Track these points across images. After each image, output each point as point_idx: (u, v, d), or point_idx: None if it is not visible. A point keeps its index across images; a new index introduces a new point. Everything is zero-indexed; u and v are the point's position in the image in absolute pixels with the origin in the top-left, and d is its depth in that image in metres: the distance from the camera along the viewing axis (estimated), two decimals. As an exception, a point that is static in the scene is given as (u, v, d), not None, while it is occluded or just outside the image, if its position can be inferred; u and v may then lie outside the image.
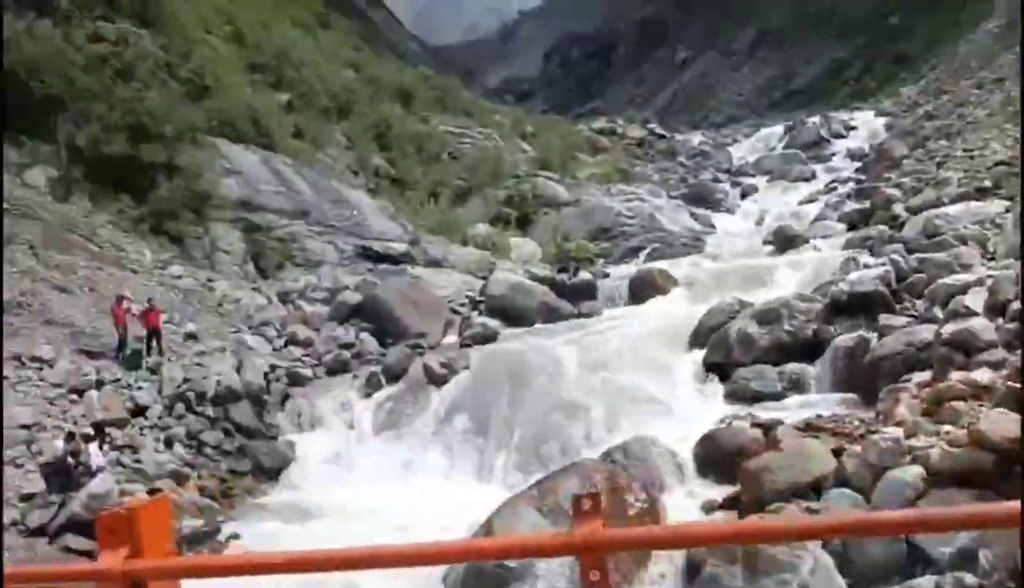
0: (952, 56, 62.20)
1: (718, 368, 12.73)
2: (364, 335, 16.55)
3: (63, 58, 21.51)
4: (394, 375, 14.65)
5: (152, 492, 11.01)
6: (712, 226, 35.18)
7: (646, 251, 29.03)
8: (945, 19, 73.33)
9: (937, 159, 26.57)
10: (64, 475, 10.51)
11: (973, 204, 16.64)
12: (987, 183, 19.03)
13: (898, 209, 20.28)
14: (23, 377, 12.98)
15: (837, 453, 8.08)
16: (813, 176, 43.11)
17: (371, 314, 17.19)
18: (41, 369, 13.30)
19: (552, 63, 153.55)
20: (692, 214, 34.83)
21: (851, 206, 25.68)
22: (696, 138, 68.38)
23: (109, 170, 21.04)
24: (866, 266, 13.93)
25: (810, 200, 34.51)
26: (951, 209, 16.76)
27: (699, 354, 13.35)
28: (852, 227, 22.68)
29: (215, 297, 18.13)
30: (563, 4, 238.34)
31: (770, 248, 22.43)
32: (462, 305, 19.70)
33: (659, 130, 70.13)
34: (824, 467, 8.08)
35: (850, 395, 10.74)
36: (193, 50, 27.93)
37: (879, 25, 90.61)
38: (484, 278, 21.76)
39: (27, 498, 10.66)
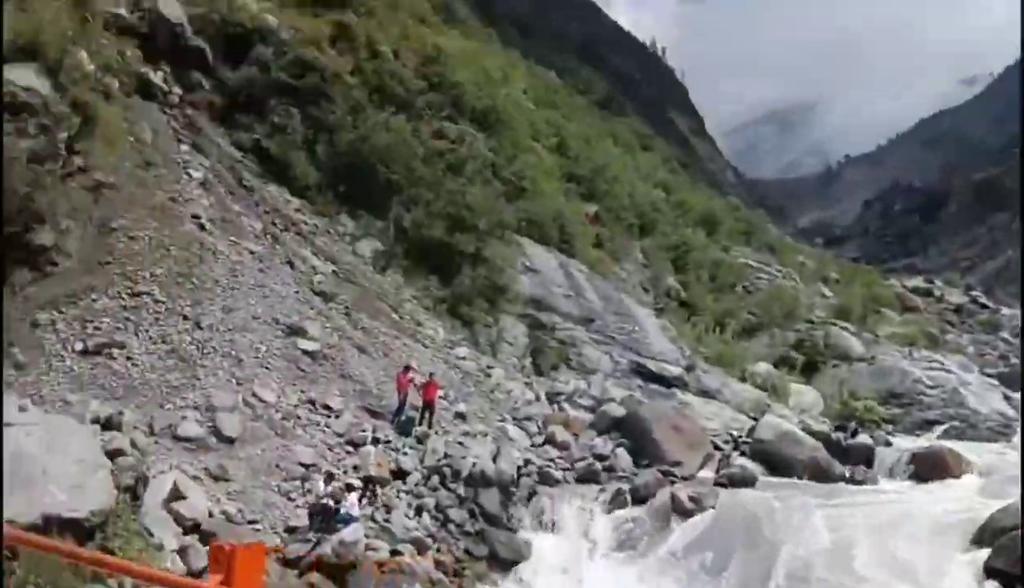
0: None
1: (1002, 576, 11.10)
2: (620, 450, 16.53)
3: (408, 150, 24.35)
4: (641, 497, 14.44)
5: (394, 553, 11.70)
6: (1029, 414, 31.22)
7: (943, 427, 26.39)
8: None
9: None
10: (324, 516, 11.53)
11: None
12: None
13: None
14: (312, 421, 14.54)
15: None
16: None
17: (631, 431, 17.18)
18: (328, 417, 14.83)
19: (871, 211, 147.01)
20: (1006, 397, 31.19)
21: None
22: (1026, 315, 61.53)
23: (425, 252, 23.29)
24: None
25: None
26: None
27: (981, 555, 11.75)
28: None
29: (490, 384, 19.15)
30: (895, 155, 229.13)
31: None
32: (726, 442, 19.06)
33: (983, 299, 64.09)
34: None
35: None
36: (519, 155, 30.33)
37: None
38: (755, 419, 20.95)
39: (291, 530, 11.80)
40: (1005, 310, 63.29)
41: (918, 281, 68.50)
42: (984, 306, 62.17)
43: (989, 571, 11.51)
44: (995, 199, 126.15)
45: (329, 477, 12.39)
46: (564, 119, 41.02)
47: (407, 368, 15.98)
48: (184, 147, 21.08)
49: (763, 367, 29.01)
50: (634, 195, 39.66)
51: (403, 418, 15.52)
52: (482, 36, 61.26)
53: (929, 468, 17.24)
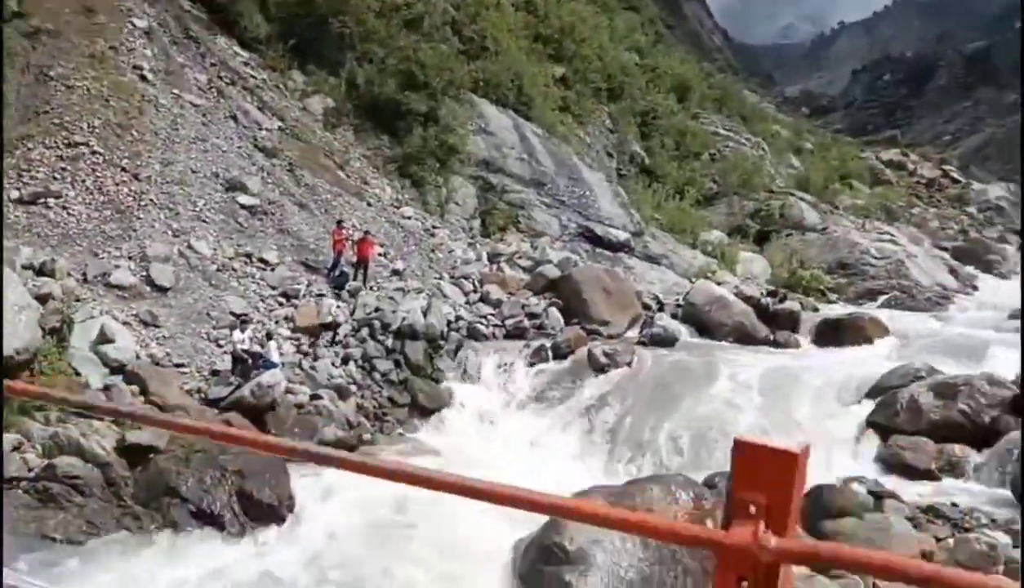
0: None
1: (880, 429, 11.98)
2: (552, 310, 17.16)
3: (363, 3, 23.82)
4: (562, 353, 15.17)
5: (314, 398, 12.39)
6: (974, 287, 32.16)
7: (885, 297, 27.26)
8: None
9: None
10: (246, 361, 12.17)
11: None
12: None
13: None
14: (247, 273, 15.02)
15: (926, 555, 7.51)
16: (1118, 257, 37.89)
17: (564, 292, 17.77)
18: (264, 270, 15.30)
19: (860, 81, 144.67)
20: (952, 270, 32.02)
21: None
22: (997, 190, 62.02)
23: (377, 110, 23.17)
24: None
25: (1103, 283, 30.46)
26: None
27: (866, 409, 12.62)
28: None
29: (432, 243, 19.57)
30: (890, 22, 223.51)
31: (1015, 322, 20.25)
32: (664, 305, 19.73)
33: (955, 174, 64.33)
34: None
35: (1005, 493, 9.76)
36: (481, 12, 29.66)
37: None
38: (699, 284, 21.61)
39: (214, 373, 12.47)
40: (976, 185, 63.77)
41: (893, 153, 68.29)
42: (956, 181, 62.40)
43: (870, 423, 12.42)
44: (984, 72, 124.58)
45: (245, 325, 12.95)
46: (535, -24, 39.78)
47: (339, 224, 16.35)
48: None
49: (716, 235, 29.54)
50: (604, 58, 39.00)
51: (337, 273, 16.02)
52: None
53: (849, 333, 18.02)
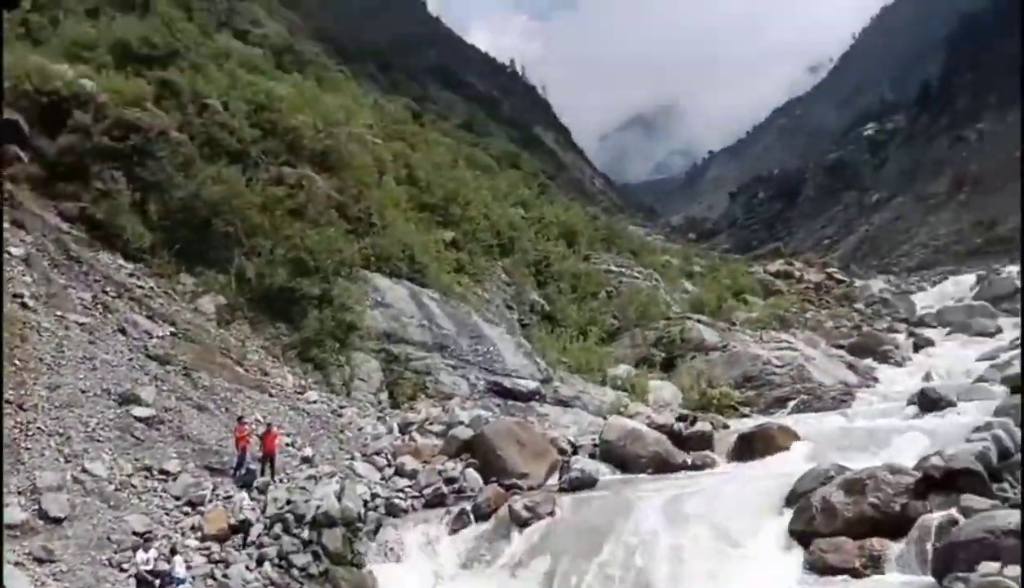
0: None
1: (801, 535, 12.09)
2: (469, 471, 16.99)
3: (245, 200, 24.32)
4: (483, 514, 14.92)
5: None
6: (874, 379, 33.42)
7: (793, 403, 28.02)
8: None
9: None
10: (149, 584, 11.54)
11: None
12: None
13: (1056, 376, 18.63)
14: (148, 488, 14.45)
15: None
16: (998, 331, 40.20)
17: (478, 450, 17.67)
18: (165, 481, 14.76)
19: (737, 202, 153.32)
20: (850, 366, 33.31)
21: (1017, 368, 23.72)
22: (878, 285, 65.70)
23: (271, 300, 23.28)
24: (968, 441, 12.91)
25: (990, 358, 32.12)
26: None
27: (789, 517, 12.76)
28: (1017, 390, 20.98)
29: (341, 423, 19.34)
30: (755, 145, 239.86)
31: (914, 409, 21.08)
32: (578, 448, 19.76)
33: (838, 275, 67.94)
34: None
35: (927, 579, 9.91)
36: (364, 192, 30.61)
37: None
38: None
39: (119, 602, 11.76)
40: (859, 282, 67.45)
41: (779, 265, 71.69)
42: (840, 281, 65.72)
43: (792, 532, 12.53)
44: (845, 178, 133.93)
45: (148, 543, 12.37)
46: (413, 150, 41.55)
47: (241, 420, 16.06)
48: (4, 225, 20.50)
49: (623, 369, 30.10)
50: (491, 216, 40.43)
51: (243, 471, 15.58)
52: (331, 75, 61.45)
53: (762, 445, 18.38)
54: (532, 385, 24.35)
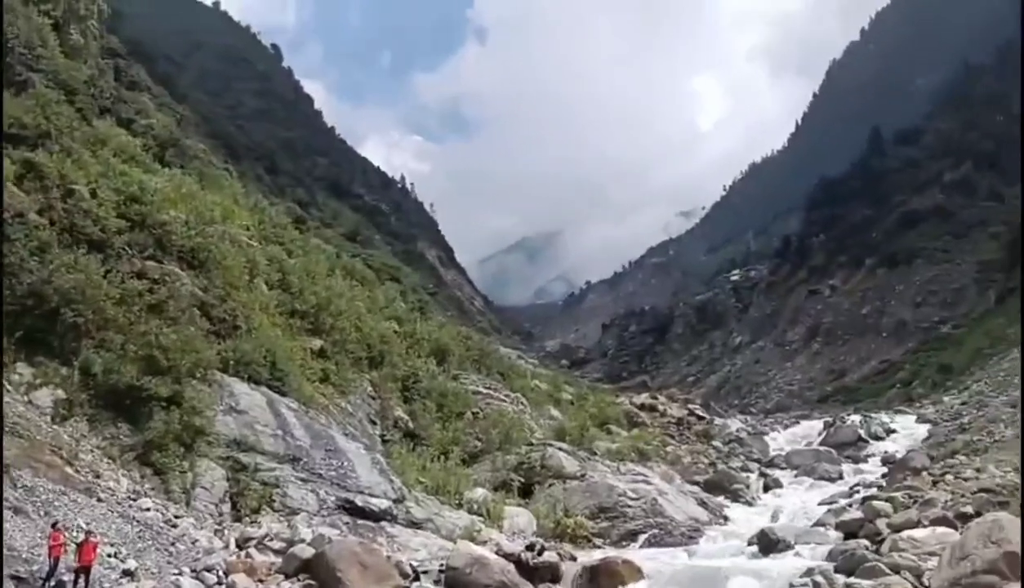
0: (996, 370, 62.06)
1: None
2: (305, 593, 16.28)
3: (99, 290, 23.35)
4: (313, 642, 14.28)
5: None
6: (724, 517, 34.26)
7: (644, 536, 28.37)
8: (995, 333, 73.89)
9: (935, 477, 26.03)
10: None
11: (939, 530, 16.11)
12: (969, 509, 18.49)
13: (882, 525, 19.69)
14: (-55, 600, 13.12)
15: None
16: (840, 477, 42.24)
17: (318, 572, 16.95)
18: (-35, 593, 13.45)
19: (610, 334, 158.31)
20: (702, 502, 34.10)
21: (852, 515, 24.94)
22: (736, 424, 68.18)
23: (115, 398, 22.11)
24: (791, 586, 13.39)
25: (830, 502, 33.61)
26: (918, 533, 16.24)
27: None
28: (850, 536, 21.99)
29: (174, 534, 18.23)
30: (630, 280, 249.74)
31: (754, 549, 21.73)
32: (424, 573, 19.28)
33: (699, 412, 70.22)
34: None
35: None
36: (231, 293, 29.96)
37: (931, 332, 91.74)
38: (466, 545, 21.41)
39: None
40: (718, 420, 69.87)
41: (645, 398, 73.50)
42: (701, 418, 67.83)
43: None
44: (712, 319, 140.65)
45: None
46: (289, 255, 41.23)
47: (55, 526, 14.94)
48: None
49: (480, 492, 29.83)
50: (363, 328, 40.17)
51: (53, 583, 14.37)
52: (216, 173, 60.86)
53: (604, 579, 18.44)
54: (384, 504, 23.77)
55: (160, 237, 28.19)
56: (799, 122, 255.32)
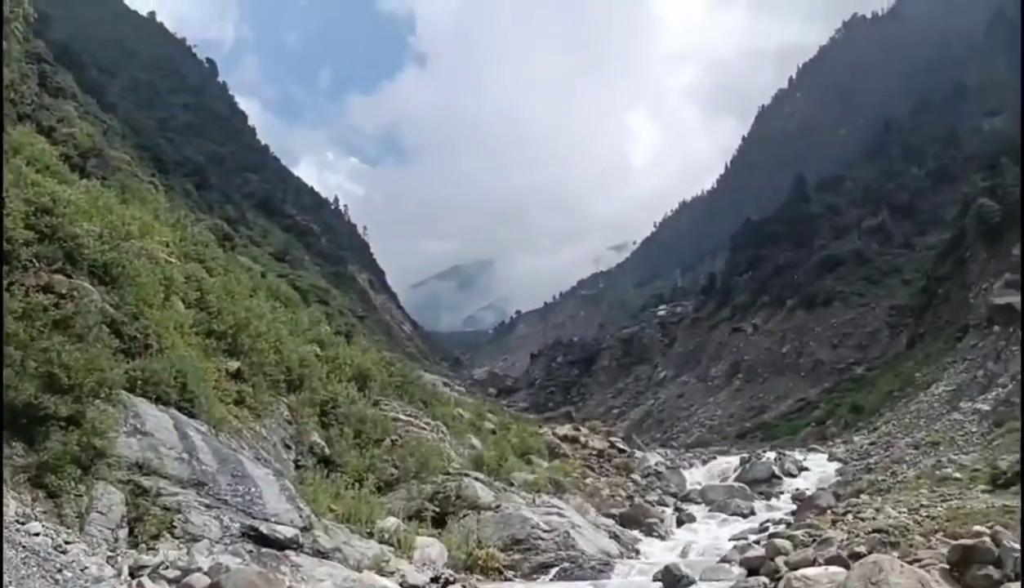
0: (904, 412, 64.19)
1: None
2: (198, 623, 15.85)
3: (-1, 303, 22.52)
4: (201, 674, 13.89)
5: None
6: (636, 551, 34.54)
7: (555, 569, 28.41)
8: (904, 376, 76.47)
9: (836, 516, 26.80)
10: None
11: (832, 569, 16.57)
12: (862, 549, 19.06)
13: (781, 562, 20.15)
14: None
15: None
16: (751, 513, 43.16)
17: (213, 602, 16.56)
18: None
19: (537, 364, 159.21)
20: (615, 536, 34.33)
21: (756, 552, 25.43)
22: (655, 458, 69.15)
23: (12, 417, 21.25)
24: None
25: (740, 538, 34.25)
26: (812, 571, 16.68)
27: None
28: (752, 573, 22.43)
29: (62, 561, 17.51)
30: (560, 311, 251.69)
31: (659, 585, 21.97)
32: (327, 603, 18.96)
33: (620, 444, 70.96)
34: None
35: None
36: (144, 311, 29.18)
37: (845, 372, 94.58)
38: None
39: None
40: (638, 453, 70.70)
41: (568, 429, 73.98)
42: (622, 450, 68.54)
43: None
44: (638, 353, 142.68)
45: None
46: (210, 274, 40.38)
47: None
48: None
49: (391, 521, 29.43)
50: (283, 350, 39.52)
51: (-75, 611, 13.72)
52: (141, 186, 59.46)
53: (508, 613, 18.41)
54: (291, 532, 23.25)
55: (71, 250, 27.28)
56: (728, 164, 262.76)
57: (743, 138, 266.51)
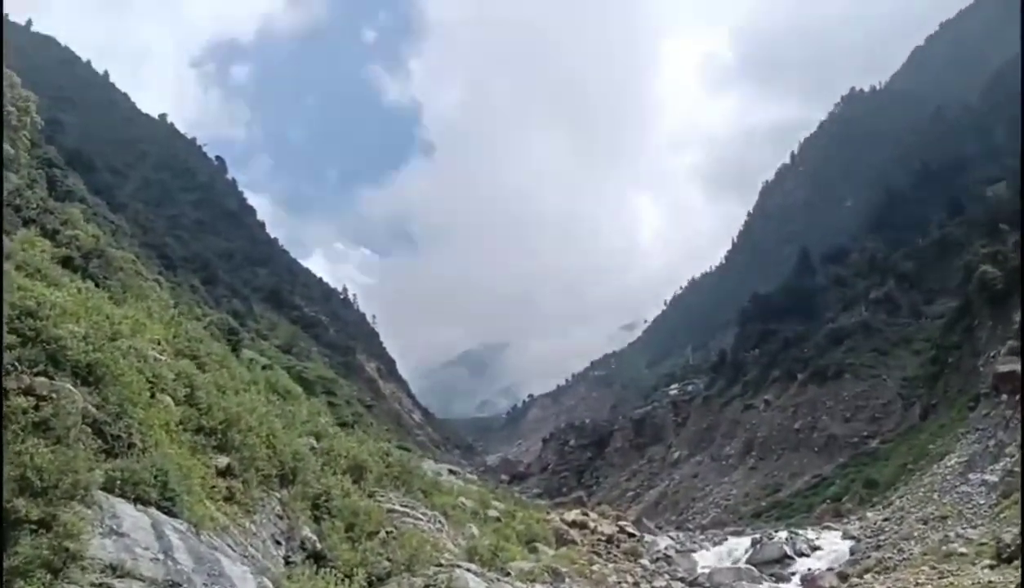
0: (918, 485, 62.91)
1: None
2: None
3: (-23, 409, 22.68)
4: None
5: None
6: (638, 641, 33.63)
7: (546, 662, 27.65)
8: (919, 448, 75.21)
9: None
10: None
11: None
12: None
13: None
14: None
15: None
16: (759, 597, 42.03)
17: None
18: None
19: (550, 448, 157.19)
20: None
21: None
22: (665, 541, 67.62)
23: (-16, 519, 21.22)
24: None
25: (746, 624, 33.35)
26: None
27: None
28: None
29: (23, 669, 17.22)
30: (572, 394, 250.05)
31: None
32: None
33: (630, 529, 69.54)
34: None
35: None
36: (129, 410, 29.26)
37: (859, 446, 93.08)
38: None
39: None
40: (648, 537, 69.21)
41: (576, 514, 72.69)
42: (631, 535, 67.14)
43: None
44: (651, 433, 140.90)
45: None
46: (203, 369, 40.55)
47: None
48: None
49: (379, 618, 28.85)
50: (275, 445, 39.32)
51: None
52: (143, 284, 60.23)
53: None
54: (266, 635, 22.80)
55: (54, 353, 27.49)
56: (734, 239, 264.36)
57: (748, 213, 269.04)
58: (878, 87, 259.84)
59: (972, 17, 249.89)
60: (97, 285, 42.70)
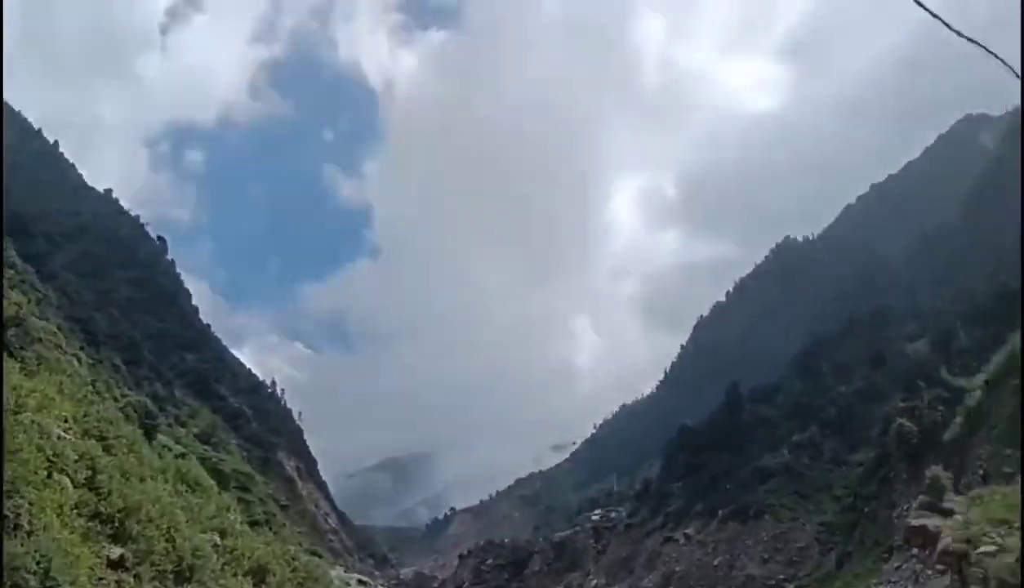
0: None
1: None
2: None
3: None
4: None
5: None
6: None
7: None
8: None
9: None
10: None
11: None
12: None
13: None
14: None
15: None
16: None
17: None
18: None
19: (466, 566, 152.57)
20: None
21: None
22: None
23: None
24: None
25: None
26: None
27: None
28: None
29: None
30: (496, 510, 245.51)
31: None
32: None
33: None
34: None
35: None
36: (21, 489, 27.83)
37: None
38: None
39: None
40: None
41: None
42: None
43: None
44: (571, 558, 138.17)
45: None
46: (108, 452, 38.91)
47: None
48: None
49: None
50: (176, 538, 37.58)
51: None
52: (62, 357, 58.26)
53: None
54: None
55: (-55, 424, 26.34)
56: (667, 370, 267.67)
57: (682, 346, 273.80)
58: (811, 237, 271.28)
59: (902, 179, 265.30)
60: (11, 355, 41.32)
